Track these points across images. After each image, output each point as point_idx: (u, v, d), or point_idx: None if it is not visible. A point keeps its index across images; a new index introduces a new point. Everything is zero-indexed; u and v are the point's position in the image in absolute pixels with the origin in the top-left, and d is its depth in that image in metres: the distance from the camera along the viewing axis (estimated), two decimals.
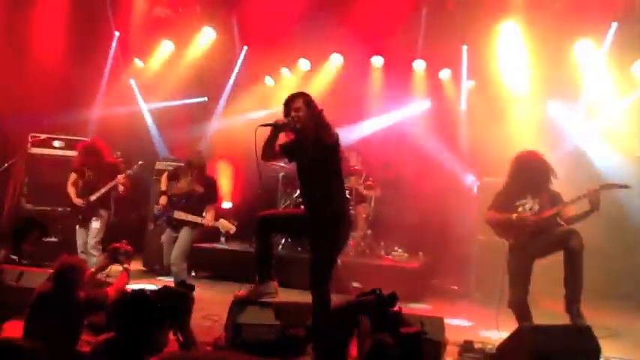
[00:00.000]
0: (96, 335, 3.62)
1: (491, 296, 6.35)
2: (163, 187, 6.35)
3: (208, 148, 9.09)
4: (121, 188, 6.66)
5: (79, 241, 6.66)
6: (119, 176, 6.61)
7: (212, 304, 5.57)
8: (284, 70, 9.88)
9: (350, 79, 9.31)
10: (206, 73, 9.83)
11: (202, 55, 9.56)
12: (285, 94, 4.62)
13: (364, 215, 7.92)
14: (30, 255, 4.82)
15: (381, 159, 8.62)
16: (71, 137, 8.19)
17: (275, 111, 6.01)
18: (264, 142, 4.47)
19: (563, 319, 4.71)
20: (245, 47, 9.75)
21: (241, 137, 4.59)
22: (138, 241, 6.98)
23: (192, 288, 3.84)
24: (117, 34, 9.45)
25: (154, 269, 7.73)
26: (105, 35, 9.34)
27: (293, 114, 4.42)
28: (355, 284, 6.64)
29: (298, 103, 4.45)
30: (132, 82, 9.91)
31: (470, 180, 8.52)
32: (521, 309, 4.92)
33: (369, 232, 7.97)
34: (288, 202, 8.20)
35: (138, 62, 9.76)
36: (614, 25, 7.84)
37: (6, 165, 7.91)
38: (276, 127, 4.45)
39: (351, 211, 7.54)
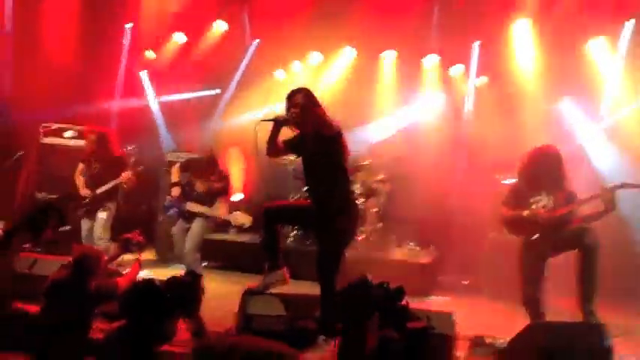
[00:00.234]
0: (109, 323, 3.66)
1: (502, 292, 6.37)
2: (175, 178, 6.39)
3: (219, 141, 9.10)
4: (125, 184, 6.68)
5: (84, 230, 6.71)
6: (123, 174, 6.62)
7: (223, 294, 5.61)
8: (295, 64, 9.87)
9: (362, 73, 9.28)
10: (217, 66, 9.83)
11: (214, 48, 9.57)
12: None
13: (374, 209, 7.91)
14: (52, 242, 4.85)
15: (392, 153, 8.59)
16: (82, 127, 8.22)
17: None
18: (267, 139, 4.53)
19: (574, 316, 4.70)
20: (256, 40, 9.75)
21: (252, 130, 4.65)
22: (149, 232, 7.02)
23: (200, 276, 3.88)
24: (129, 26, 9.46)
25: (165, 259, 7.77)
26: (116, 27, 9.36)
27: (292, 109, 4.47)
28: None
29: (297, 98, 4.52)
30: (143, 74, 9.91)
31: (481, 177, 8.48)
32: (534, 307, 4.88)
33: (379, 225, 7.96)
34: (299, 194, 8.21)
35: (149, 54, 9.76)
36: (630, 22, 7.77)
37: (18, 155, 7.97)
38: (277, 123, 4.51)
39: (360, 205, 7.56)
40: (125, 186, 6.70)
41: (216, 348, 1.49)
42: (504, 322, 5.17)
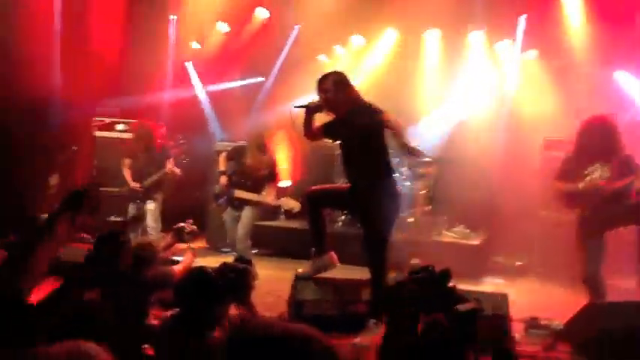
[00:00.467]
0: (165, 310, 3.76)
1: (556, 272, 6.23)
2: (222, 167, 6.48)
3: (266, 129, 9.15)
4: (171, 176, 6.84)
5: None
6: (168, 165, 6.80)
7: (274, 280, 5.67)
8: (337, 48, 9.80)
9: (405, 54, 9.15)
10: (260, 54, 9.87)
11: (256, 36, 9.61)
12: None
13: (423, 192, 7.83)
14: (97, 228, 4.98)
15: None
16: (132, 120, 8.41)
17: None
18: (303, 124, 4.56)
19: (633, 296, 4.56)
20: (297, 26, 9.73)
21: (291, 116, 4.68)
22: (200, 220, 7.16)
23: (250, 262, 3.94)
24: (173, 17, 9.58)
25: (217, 246, 7.93)
26: (161, 19, 9.50)
27: (322, 95, 4.47)
28: (414, 261, 6.59)
29: (327, 84, 4.50)
30: (189, 65, 10.04)
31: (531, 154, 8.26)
32: (595, 285, 4.64)
33: (428, 208, 7.87)
34: (343, 179, 8.18)
35: (194, 45, 9.88)
36: None
37: (72, 149, 8.21)
38: (309, 109, 4.51)
39: (408, 188, 7.49)
40: (170, 177, 6.87)
41: (253, 334, 1.48)
42: (559, 304, 5.07)
